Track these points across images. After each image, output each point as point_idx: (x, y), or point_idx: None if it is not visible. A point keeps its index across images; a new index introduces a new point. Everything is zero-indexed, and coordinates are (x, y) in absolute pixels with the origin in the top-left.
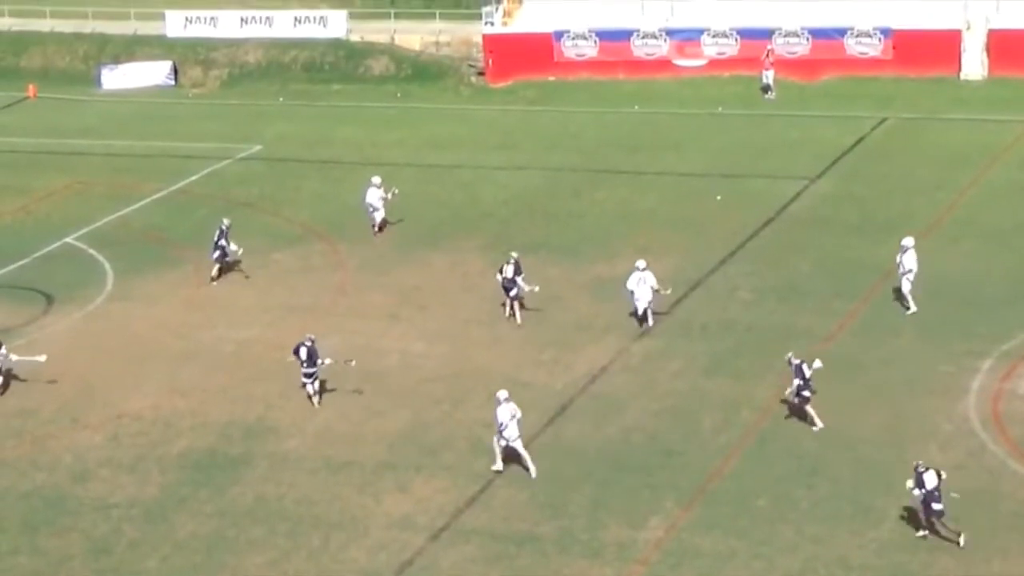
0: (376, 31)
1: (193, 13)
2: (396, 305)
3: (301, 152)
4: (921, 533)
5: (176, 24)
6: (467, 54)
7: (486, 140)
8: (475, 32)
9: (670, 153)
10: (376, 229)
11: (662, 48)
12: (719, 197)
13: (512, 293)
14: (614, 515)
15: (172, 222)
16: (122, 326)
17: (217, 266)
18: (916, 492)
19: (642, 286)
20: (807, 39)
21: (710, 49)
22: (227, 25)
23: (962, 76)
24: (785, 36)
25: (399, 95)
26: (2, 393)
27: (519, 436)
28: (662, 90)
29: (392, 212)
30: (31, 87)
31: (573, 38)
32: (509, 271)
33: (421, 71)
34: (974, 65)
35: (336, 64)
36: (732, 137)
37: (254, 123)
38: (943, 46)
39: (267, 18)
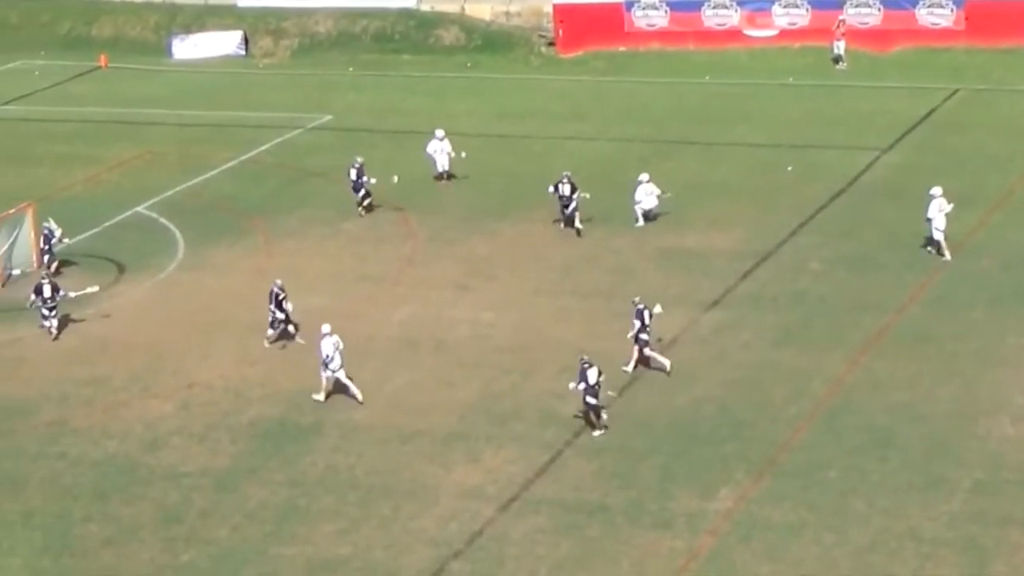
0: (446, 1)
1: None
2: (465, 275)
3: (371, 122)
4: (598, 433)
5: None
6: (537, 24)
7: (556, 111)
8: (546, 2)
9: (740, 124)
10: (437, 178)
11: (733, 18)
12: (790, 168)
13: (570, 209)
14: (684, 486)
15: (243, 191)
16: (192, 295)
17: (362, 203)
18: (579, 387)
19: (648, 196)
20: (878, 9)
21: (781, 19)
22: None
23: None
24: (856, 6)
25: (469, 65)
26: (56, 339)
27: (342, 366)
28: (733, 61)
29: (462, 183)
30: (102, 57)
31: (644, 8)
32: (566, 189)
33: (491, 41)
34: None
35: (406, 34)
36: (803, 108)
37: (324, 93)
38: (1016, 16)
39: None
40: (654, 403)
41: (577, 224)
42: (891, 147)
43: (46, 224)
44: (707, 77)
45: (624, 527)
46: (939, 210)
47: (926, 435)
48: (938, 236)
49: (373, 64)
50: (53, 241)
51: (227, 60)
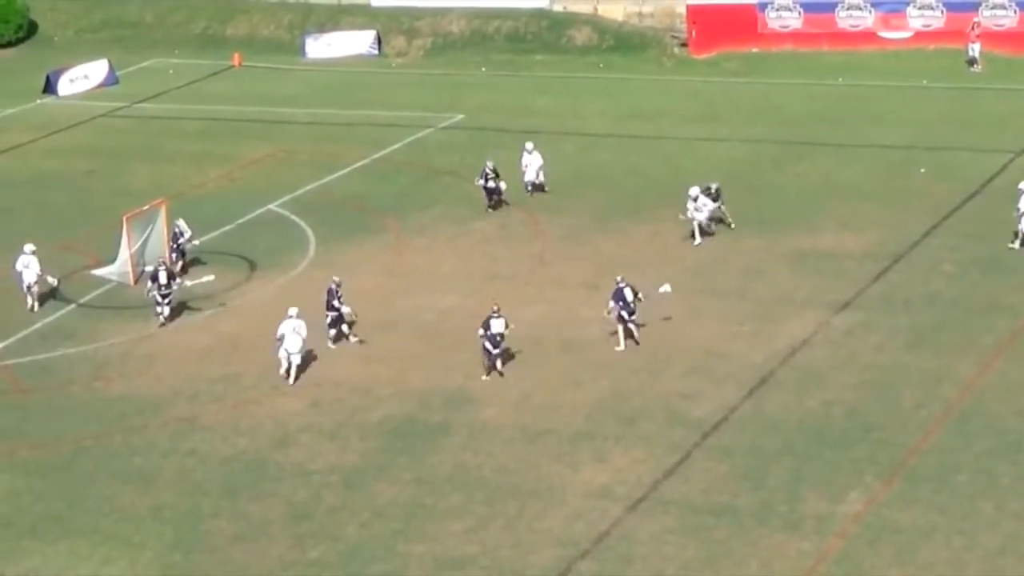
0: (579, 1)
1: None
2: (595, 275)
3: (502, 122)
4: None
5: None
6: (670, 25)
7: (688, 111)
8: (679, 3)
9: (873, 126)
10: (528, 190)
11: (867, 20)
12: (923, 170)
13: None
14: (813, 488)
15: (374, 190)
16: (323, 293)
17: (490, 202)
18: (480, 332)
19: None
20: (1015, 12)
21: (916, 21)
22: None
23: None
24: (992, 8)
25: (601, 66)
26: (163, 325)
27: (299, 351)
28: (866, 62)
29: (592, 183)
30: (236, 56)
31: (777, 9)
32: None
33: (624, 42)
34: None
35: (539, 34)
36: (937, 110)
37: (456, 92)
38: None
39: None
40: (784, 405)
41: (730, 220)
42: None
43: (177, 224)
44: (840, 79)
45: (752, 529)
46: None
47: None
48: None
49: (505, 64)
50: (181, 241)
51: (360, 59)
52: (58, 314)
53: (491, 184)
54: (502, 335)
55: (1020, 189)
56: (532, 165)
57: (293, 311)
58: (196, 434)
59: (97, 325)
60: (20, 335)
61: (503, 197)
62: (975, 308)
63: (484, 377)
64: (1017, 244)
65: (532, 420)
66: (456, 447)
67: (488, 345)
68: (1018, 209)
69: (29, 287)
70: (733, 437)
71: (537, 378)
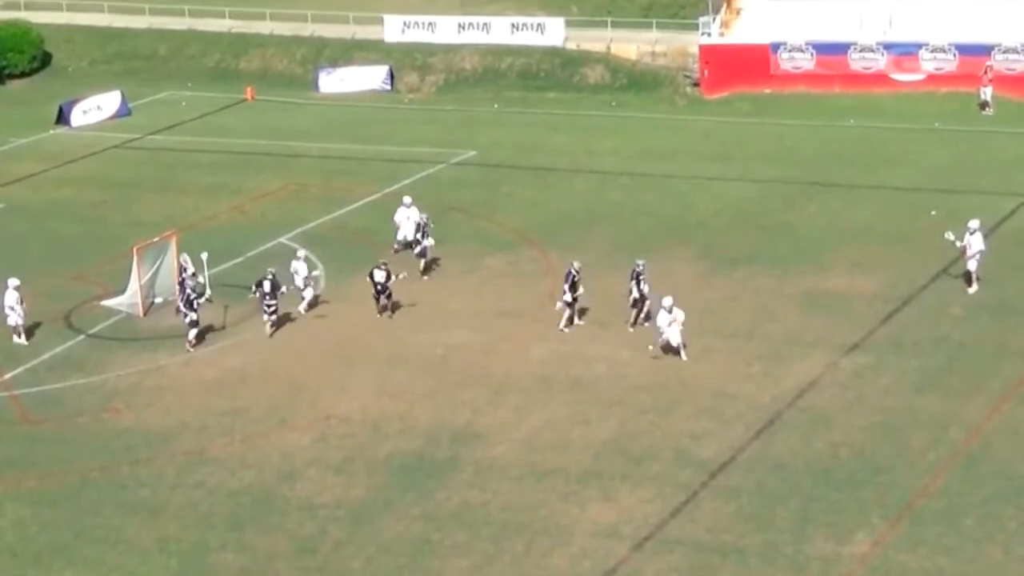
0: (592, 40)
1: (411, 18)
2: (605, 313)
3: (514, 158)
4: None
5: (394, 29)
6: (683, 64)
7: (700, 151)
8: (691, 42)
9: (884, 168)
10: (396, 246)
11: (880, 62)
12: (933, 212)
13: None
14: (820, 529)
15: (384, 225)
16: (332, 327)
17: (422, 261)
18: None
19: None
20: None
21: (928, 64)
22: (445, 31)
23: None
24: (1004, 52)
25: (614, 104)
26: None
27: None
28: (879, 104)
29: (604, 221)
30: (248, 89)
31: (790, 50)
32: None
33: (636, 81)
34: None
35: (552, 72)
36: (948, 153)
37: (469, 129)
38: None
39: (484, 24)
40: (791, 446)
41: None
42: None
43: (184, 255)
44: (852, 120)
45: (758, 569)
46: (982, 242)
47: None
48: (975, 266)
49: (518, 101)
50: (186, 276)
51: (372, 95)
52: (67, 344)
53: (416, 238)
54: (384, 284)
55: (970, 227)
56: (410, 219)
57: (302, 253)
58: (203, 467)
59: (106, 356)
60: (28, 365)
61: (428, 258)
62: (984, 351)
63: (377, 315)
64: (975, 287)
65: (540, 458)
66: (463, 484)
67: (374, 292)
68: (969, 247)
69: (15, 325)
70: (740, 478)
71: (545, 416)
